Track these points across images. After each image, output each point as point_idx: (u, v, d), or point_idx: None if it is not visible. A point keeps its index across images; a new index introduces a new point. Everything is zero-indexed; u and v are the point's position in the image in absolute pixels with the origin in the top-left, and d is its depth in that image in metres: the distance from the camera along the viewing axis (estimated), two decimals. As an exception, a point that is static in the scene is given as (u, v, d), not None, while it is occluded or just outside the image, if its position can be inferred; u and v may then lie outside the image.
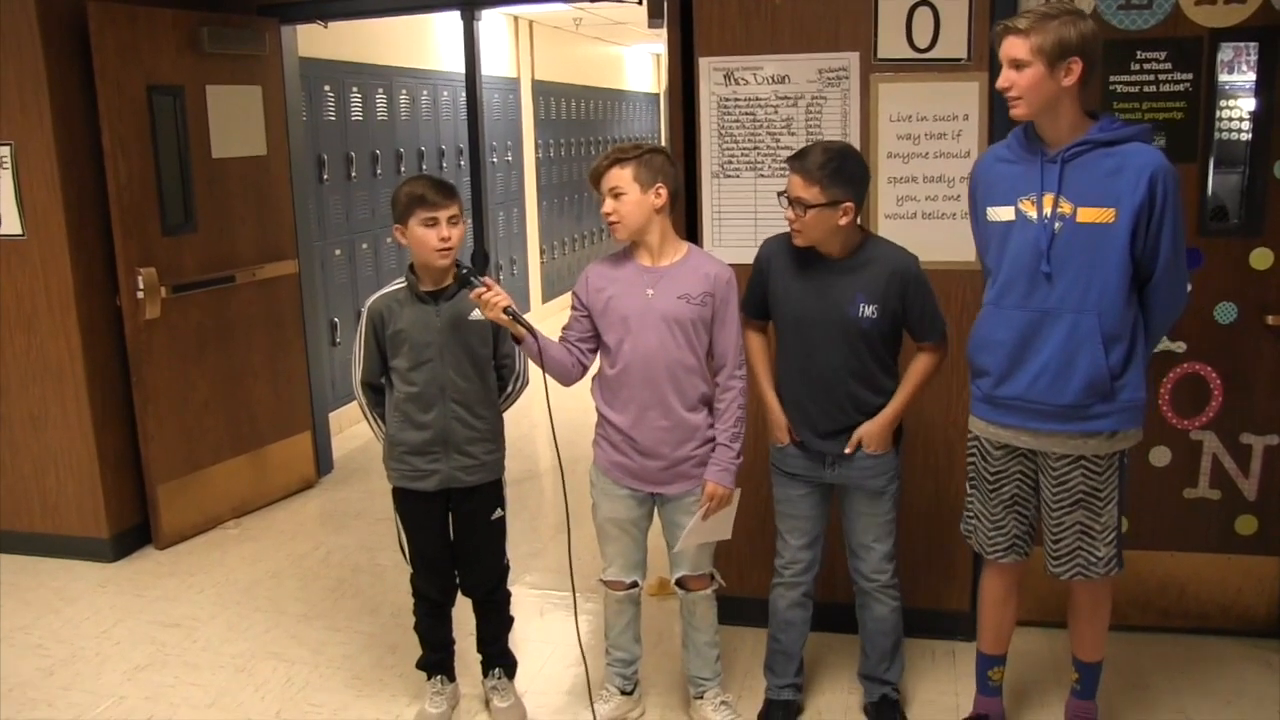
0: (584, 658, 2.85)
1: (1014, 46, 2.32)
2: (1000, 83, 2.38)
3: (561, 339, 2.73)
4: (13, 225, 4.04)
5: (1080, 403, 2.41)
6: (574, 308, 2.75)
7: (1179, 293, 2.46)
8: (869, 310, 2.60)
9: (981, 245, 2.60)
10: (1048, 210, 2.38)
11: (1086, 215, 2.35)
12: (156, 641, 3.53)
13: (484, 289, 2.57)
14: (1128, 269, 2.36)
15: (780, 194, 2.61)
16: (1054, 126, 2.39)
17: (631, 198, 2.59)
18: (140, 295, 4.07)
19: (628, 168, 2.59)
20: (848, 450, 2.67)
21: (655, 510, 2.80)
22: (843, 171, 2.52)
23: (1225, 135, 3.07)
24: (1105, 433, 2.45)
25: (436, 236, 2.68)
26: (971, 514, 2.70)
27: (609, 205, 2.62)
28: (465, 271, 2.65)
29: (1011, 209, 2.44)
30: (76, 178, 4.01)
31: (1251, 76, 3.02)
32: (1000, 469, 2.59)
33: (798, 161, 2.55)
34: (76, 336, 4.07)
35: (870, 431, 2.67)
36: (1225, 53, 3.01)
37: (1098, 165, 2.35)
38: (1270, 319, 3.10)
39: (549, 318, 8.44)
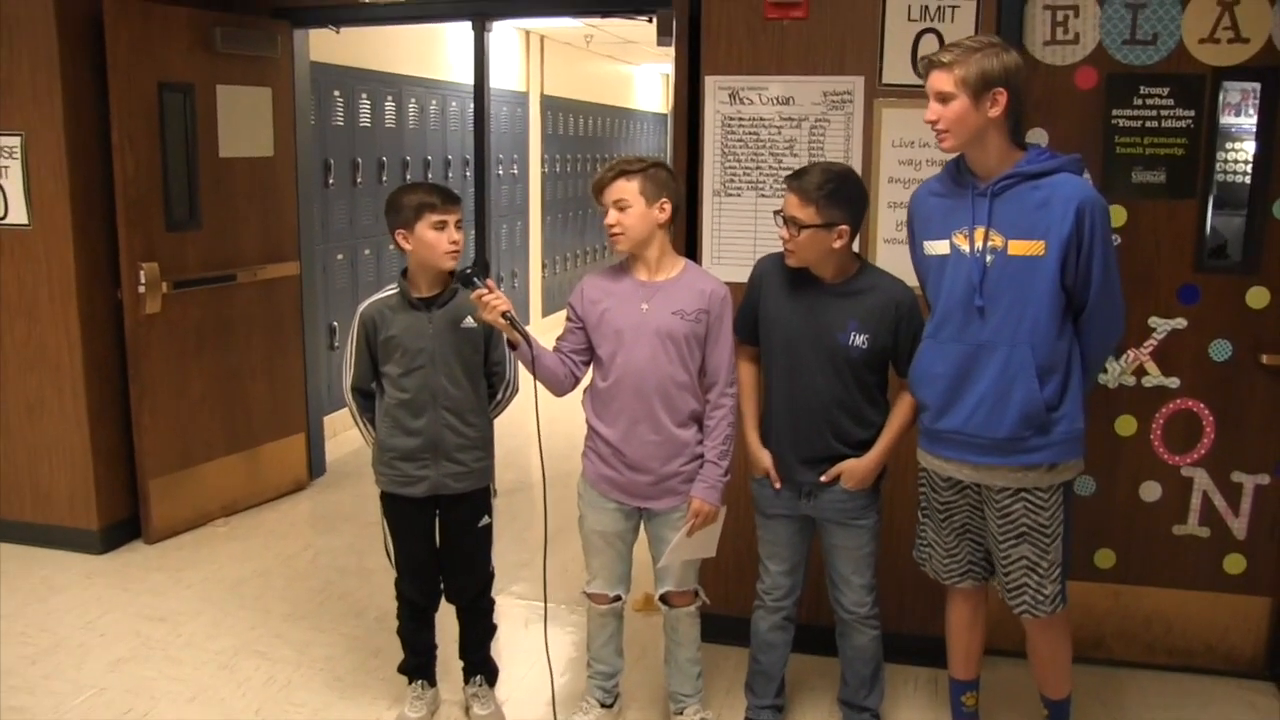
0: (550, 669, 2.87)
1: (939, 80, 2.34)
2: (927, 116, 2.39)
3: (555, 349, 2.74)
4: (19, 214, 4.06)
5: (1016, 435, 2.40)
6: (569, 319, 2.76)
7: (1114, 322, 2.46)
8: (860, 339, 2.59)
9: (921, 278, 2.61)
10: (979, 243, 2.39)
11: (1017, 248, 2.36)
12: (141, 635, 3.53)
13: (485, 290, 2.58)
14: (1059, 300, 2.36)
15: (776, 213, 2.61)
16: (983, 158, 2.40)
17: (636, 210, 2.60)
18: (141, 289, 4.09)
19: (634, 180, 2.60)
20: (824, 479, 2.66)
21: (642, 525, 2.80)
22: (840, 194, 2.52)
23: (1226, 174, 3.09)
24: (1044, 465, 2.44)
25: (447, 239, 2.70)
26: (925, 542, 2.71)
27: (613, 217, 2.62)
28: (469, 271, 2.63)
29: (946, 243, 2.46)
30: (84, 170, 4.04)
31: (1253, 116, 3.03)
32: (949, 500, 2.60)
33: (796, 181, 2.55)
34: (76, 327, 4.09)
35: (853, 470, 2.65)
36: (1229, 93, 3.03)
37: (1026, 198, 2.35)
38: (1265, 358, 3.10)
39: (549, 332, 8.43)
